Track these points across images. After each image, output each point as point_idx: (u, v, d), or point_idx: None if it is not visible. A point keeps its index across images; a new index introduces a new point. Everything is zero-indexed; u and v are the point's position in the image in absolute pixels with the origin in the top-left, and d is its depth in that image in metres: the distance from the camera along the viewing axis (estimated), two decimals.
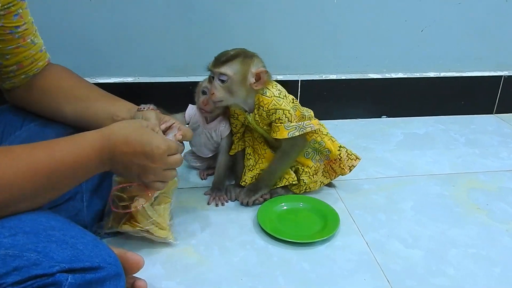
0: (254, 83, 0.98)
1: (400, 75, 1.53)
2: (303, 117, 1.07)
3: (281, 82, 1.48)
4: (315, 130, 1.07)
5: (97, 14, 1.31)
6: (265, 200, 1.07)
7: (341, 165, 1.10)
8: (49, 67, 0.95)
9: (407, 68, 1.53)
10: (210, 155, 1.16)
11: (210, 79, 1.01)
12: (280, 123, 1.01)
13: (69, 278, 0.58)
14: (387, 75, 1.52)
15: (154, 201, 0.91)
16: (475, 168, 1.26)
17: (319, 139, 1.08)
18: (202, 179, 1.18)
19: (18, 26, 0.85)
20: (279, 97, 1.01)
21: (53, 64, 0.97)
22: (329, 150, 1.08)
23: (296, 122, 1.03)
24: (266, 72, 0.99)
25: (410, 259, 0.92)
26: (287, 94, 1.05)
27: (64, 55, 1.32)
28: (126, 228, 0.91)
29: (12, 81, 0.91)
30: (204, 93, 1.06)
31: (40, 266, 0.58)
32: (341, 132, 1.44)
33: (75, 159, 0.71)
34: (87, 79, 1.32)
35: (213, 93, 0.97)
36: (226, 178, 1.13)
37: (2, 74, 0.90)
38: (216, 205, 1.07)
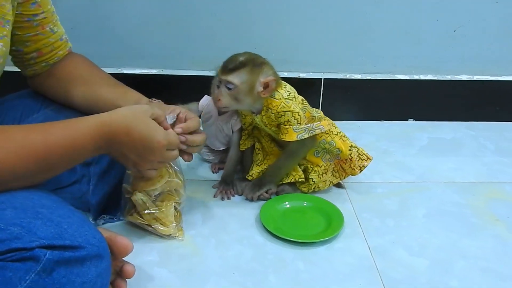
0: (262, 91, 0.96)
1: (430, 77, 1.46)
2: (312, 118, 1.04)
3: (303, 80, 1.47)
4: (325, 131, 1.04)
5: (124, 5, 1.34)
6: (271, 195, 1.05)
7: (352, 165, 1.07)
8: (68, 56, 0.97)
9: (438, 70, 1.46)
10: (222, 148, 1.16)
11: (217, 84, 0.99)
12: (289, 125, 0.99)
13: (47, 254, 0.60)
14: (416, 77, 1.46)
15: (158, 197, 0.91)
16: (500, 178, 1.18)
17: (329, 139, 1.05)
18: (213, 173, 1.18)
19: (36, 14, 0.87)
20: (288, 98, 0.99)
21: (73, 53, 0.99)
22: (339, 150, 1.05)
23: (305, 124, 1.00)
24: (275, 80, 0.97)
25: (412, 268, 0.87)
26: (296, 95, 1.02)
27: (91, 45, 1.36)
28: (132, 219, 0.93)
29: (33, 68, 0.94)
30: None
31: (21, 240, 0.60)
32: (362, 134, 1.39)
33: (69, 143, 0.72)
34: (113, 69, 1.38)
35: (219, 100, 0.96)
36: (235, 173, 1.12)
37: (24, 61, 0.93)
38: (222, 198, 1.07)
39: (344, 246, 0.93)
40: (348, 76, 1.45)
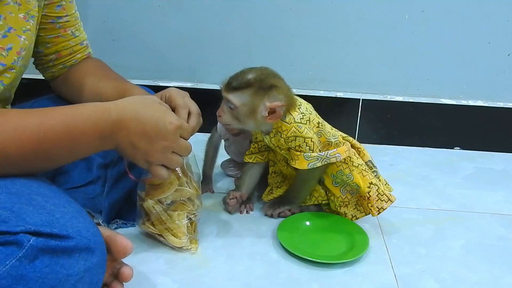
0: (268, 116, 0.86)
1: (480, 103, 1.35)
2: (328, 144, 0.92)
3: (340, 100, 1.41)
4: (344, 159, 0.93)
5: (163, 20, 1.36)
6: (293, 214, 0.99)
7: (369, 204, 0.93)
8: (84, 61, 0.97)
9: (489, 96, 1.35)
10: None
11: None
12: (300, 150, 0.90)
13: (31, 240, 0.57)
14: (464, 102, 1.36)
15: (170, 206, 0.87)
16: None
17: (347, 171, 0.93)
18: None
19: (60, 17, 0.89)
20: (301, 122, 0.89)
21: (91, 58, 0.99)
22: (357, 185, 0.93)
23: (318, 151, 0.90)
24: (284, 105, 0.86)
25: None
26: (311, 117, 0.91)
27: (130, 58, 1.39)
28: (144, 228, 0.89)
29: (51, 70, 0.95)
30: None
31: (7, 224, 0.57)
32: (401, 159, 1.30)
33: (67, 129, 0.68)
34: (149, 81, 1.39)
35: (220, 116, 0.89)
36: (256, 187, 1.06)
37: (43, 63, 0.94)
38: (240, 212, 1.01)
39: (366, 271, 0.84)
40: (388, 98, 1.37)
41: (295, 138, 0.89)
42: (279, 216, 0.98)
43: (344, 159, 0.93)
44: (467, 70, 1.33)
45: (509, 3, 1.26)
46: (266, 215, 0.99)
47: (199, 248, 0.88)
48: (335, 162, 0.92)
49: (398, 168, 1.24)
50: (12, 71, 0.77)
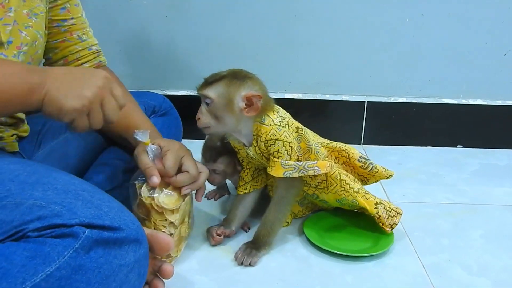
0: (245, 108, 0.84)
1: (479, 101, 1.41)
2: (309, 151, 0.88)
3: (345, 103, 1.45)
4: (344, 188, 0.91)
5: (170, 29, 1.37)
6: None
7: (381, 223, 0.92)
8: None
9: (487, 95, 1.40)
10: None
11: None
12: (279, 157, 0.85)
13: (86, 232, 0.59)
14: (464, 101, 1.41)
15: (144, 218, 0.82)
16: None
17: (350, 197, 0.91)
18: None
19: (65, 20, 0.89)
20: (280, 125, 0.86)
21: (106, 68, 0.96)
22: (364, 208, 0.91)
23: (296, 158, 0.86)
24: (261, 97, 0.83)
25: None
26: (290, 121, 0.88)
27: (137, 67, 1.41)
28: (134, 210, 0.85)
29: None
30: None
31: (61, 217, 0.59)
32: (408, 158, 1.34)
33: None
34: (157, 90, 1.40)
35: (199, 118, 0.85)
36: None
37: None
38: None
39: (395, 262, 0.86)
40: (392, 100, 1.41)
41: (275, 142, 0.85)
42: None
43: (344, 187, 0.91)
44: (466, 70, 1.39)
45: (504, 6, 1.32)
46: (241, 264, 0.86)
47: (229, 248, 0.90)
48: (336, 191, 0.91)
49: (407, 166, 1.28)
50: None
